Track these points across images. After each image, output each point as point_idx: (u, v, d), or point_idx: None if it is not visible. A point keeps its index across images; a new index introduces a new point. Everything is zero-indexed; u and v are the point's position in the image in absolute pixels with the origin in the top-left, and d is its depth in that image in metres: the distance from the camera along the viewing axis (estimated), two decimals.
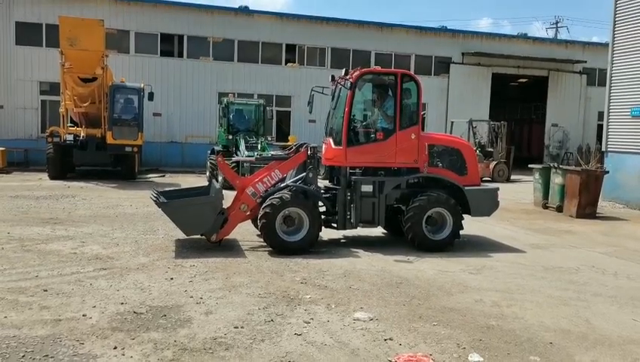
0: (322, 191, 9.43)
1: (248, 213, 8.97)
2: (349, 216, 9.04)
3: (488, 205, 9.68)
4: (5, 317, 5.37)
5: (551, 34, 55.24)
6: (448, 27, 31.23)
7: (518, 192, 18.16)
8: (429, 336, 5.26)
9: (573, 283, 7.42)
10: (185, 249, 8.61)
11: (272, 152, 15.95)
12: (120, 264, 7.57)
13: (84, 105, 18.37)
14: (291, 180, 9.15)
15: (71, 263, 7.51)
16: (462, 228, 9.22)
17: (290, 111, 27.21)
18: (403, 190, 9.28)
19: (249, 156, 16.81)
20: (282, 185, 9.01)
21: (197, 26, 25.84)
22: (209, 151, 19.81)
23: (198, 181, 19.38)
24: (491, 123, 24.77)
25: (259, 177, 9.10)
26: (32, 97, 24.01)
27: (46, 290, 6.24)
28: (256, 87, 26.34)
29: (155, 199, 8.88)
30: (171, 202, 8.79)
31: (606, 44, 19.61)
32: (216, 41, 26.27)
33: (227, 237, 9.57)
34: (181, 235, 9.58)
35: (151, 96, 19.34)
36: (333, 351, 4.83)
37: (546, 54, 31.08)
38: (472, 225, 10.20)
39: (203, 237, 8.76)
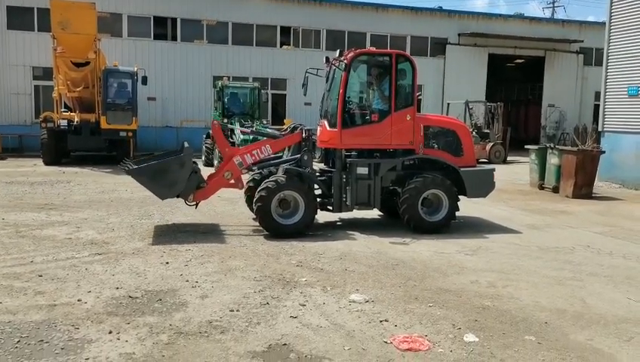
0: (318, 173, 9.40)
1: (231, 182, 8.95)
2: (344, 199, 9.01)
3: (484, 186, 9.65)
4: (0, 302, 5.36)
5: (548, 13, 54.97)
6: (444, 8, 30.96)
7: (515, 173, 18.16)
8: (424, 317, 5.27)
9: (569, 263, 7.44)
10: (180, 233, 8.59)
11: (269, 129, 15.94)
12: (115, 249, 7.55)
13: (78, 89, 18.21)
14: (285, 160, 9.16)
15: (66, 248, 7.48)
16: (458, 210, 9.20)
17: (285, 94, 27.05)
18: (399, 172, 9.25)
19: (244, 139, 16.79)
20: (275, 162, 8.99)
21: (191, 9, 25.53)
22: (204, 136, 19.72)
23: None
24: (488, 104, 24.68)
25: (249, 149, 9.10)
26: (25, 82, 23.75)
27: (41, 276, 6.22)
28: (251, 70, 26.14)
29: (124, 167, 8.81)
30: (139, 167, 8.68)
31: (603, 24, 19.48)
32: (210, 23, 25.99)
33: (223, 222, 9.57)
34: (177, 219, 9.59)
35: (144, 80, 19.17)
36: (328, 333, 4.83)
37: (543, 34, 30.88)
38: (468, 207, 10.19)
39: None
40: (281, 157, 9.82)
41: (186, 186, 8.55)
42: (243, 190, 9.42)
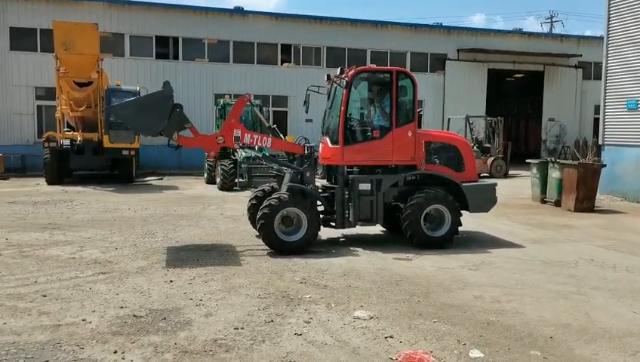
0: (320, 190, 9.43)
1: (219, 145, 9.11)
2: (347, 215, 9.04)
3: (486, 201, 9.68)
4: (4, 323, 5.36)
5: (546, 28, 55.36)
6: (443, 24, 31.21)
7: (516, 187, 18.18)
8: (429, 333, 5.26)
9: (573, 277, 7.43)
10: (184, 251, 8.60)
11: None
12: (119, 268, 7.56)
13: (80, 109, 18.32)
14: (288, 165, 9.18)
15: (70, 268, 7.49)
16: (460, 225, 9.22)
17: (286, 111, 27.19)
18: (401, 188, 9.28)
19: (247, 157, 16.89)
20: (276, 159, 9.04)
21: (192, 28, 25.78)
22: (206, 153, 19.76)
23: (197, 182, 19.42)
24: (488, 119, 24.78)
25: (251, 132, 9.24)
26: (28, 103, 23.92)
27: (45, 296, 6.23)
28: (252, 87, 26.21)
29: (106, 112, 8.87)
30: (121, 103, 8.68)
31: (601, 38, 19.66)
32: (212, 42, 26.23)
33: (226, 240, 9.59)
34: (180, 238, 9.60)
35: None
36: (333, 351, 4.83)
37: (542, 49, 31.09)
38: (470, 221, 10.20)
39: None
40: (285, 158, 9.83)
41: (170, 123, 8.50)
42: (246, 207, 9.52)
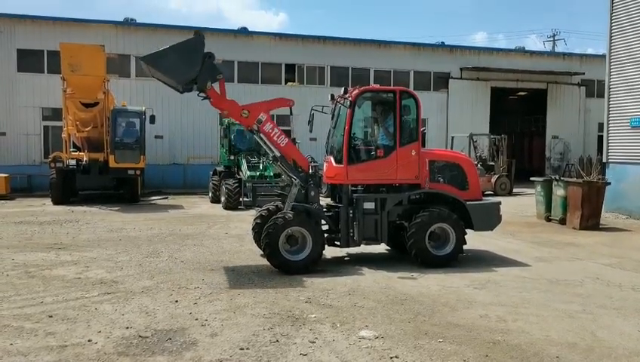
0: (325, 209, 9.46)
1: (243, 118, 9.12)
2: (351, 234, 9.04)
3: (491, 219, 9.69)
4: (11, 344, 5.38)
5: (548, 46, 55.60)
6: (445, 43, 31.42)
7: (521, 205, 18.15)
8: (434, 353, 5.25)
9: (578, 295, 7.40)
10: (189, 271, 8.62)
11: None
12: (124, 288, 7.57)
13: (87, 129, 18.50)
14: (293, 173, 9.19)
15: (76, 288, 7.52)
16: (465, 243, 9.22)
17: (290, 130, 27.27)
18: (405, 206, 9.30)
19: (251, 177, 16.97)
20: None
21: None
22: (211, 172, 19.90)
23: (202, 201, 19.48)
24: (492, 137, 24.84)
25: (274, 124, 9.17)
26: (35, 123, 24.14)
27: (51, 316, 6.25)
28: None
29: (140, 60, 8.82)
30: (150, 54, 8.71)
31: (603, 56, 19.74)
32: (216, 62, 26.44)
33: (231, 259, 9.61)
34: (185, 257, 9.62)
35: (152, 119, 19.45)
36: None
37: (544, 67, 31.26)
38: (475, 240, 10.19)
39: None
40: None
41: (202, 71, 8.54)
42: (251, 226, 9.55)
